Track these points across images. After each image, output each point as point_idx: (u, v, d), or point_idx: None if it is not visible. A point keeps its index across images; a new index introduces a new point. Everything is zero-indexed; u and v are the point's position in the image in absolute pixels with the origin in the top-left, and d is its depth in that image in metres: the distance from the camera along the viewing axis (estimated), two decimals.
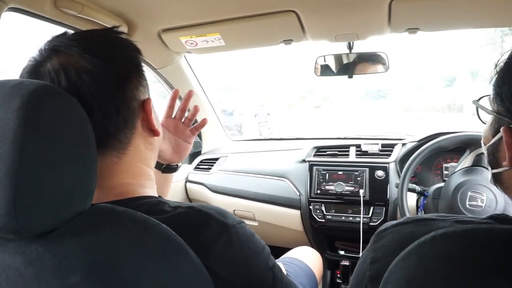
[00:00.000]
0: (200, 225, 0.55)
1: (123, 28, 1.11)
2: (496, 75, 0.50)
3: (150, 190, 0.64)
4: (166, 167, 0.88)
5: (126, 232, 0.49)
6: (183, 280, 0.50)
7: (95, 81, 0.55)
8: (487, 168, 1.12)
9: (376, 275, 0.57)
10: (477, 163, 1.27)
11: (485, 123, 0.58)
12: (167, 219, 0.52)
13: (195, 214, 0.56)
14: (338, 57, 1.38)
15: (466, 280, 0.35)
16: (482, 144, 0.58)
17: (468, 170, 1.26)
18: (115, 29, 0.63)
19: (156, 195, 0.64)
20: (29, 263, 0.44)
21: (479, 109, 0.57)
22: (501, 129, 0.49)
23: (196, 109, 0.91)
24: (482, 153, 1.13)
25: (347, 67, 1.39)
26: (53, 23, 0.94)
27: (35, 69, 0.55)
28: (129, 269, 0.45)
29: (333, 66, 1.41)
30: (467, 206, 1.16)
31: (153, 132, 0.64)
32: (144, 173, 0.64)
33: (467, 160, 1.30)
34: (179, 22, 1.19)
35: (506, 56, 0.49)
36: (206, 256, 0.52)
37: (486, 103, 0.55)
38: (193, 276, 0.51)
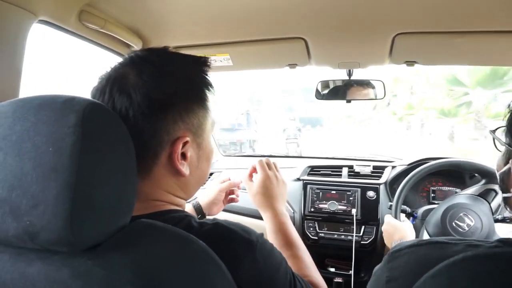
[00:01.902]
0: (227, 243, 0.57)
1: (138, 44, 1.14)
2: (509, 114, 0.57)
3: (175, 206, 0.65)
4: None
5: (169, 247, 0.51)
6: None
7: (146, 100, 0.57)
8: (488, 202, 1.21)
9: None
10: (483, 195, 1.30)
11: (500, 151, 0.65)
12: (195, 235, 0.54)
13: (221, 231, 0.58)
14: (338, 82, 1.46)
15: None
16: (496, 171, 0.65)
17: (470, 197, 1.31)
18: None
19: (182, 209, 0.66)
20: (77, 276, 0.45)
21: (495, 139, 0.64)
22: (510, 160, 0.56)
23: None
24: (493, 189, 1.22)
25: (346, 93, 1.46)
26: (76, 36, 0.96)
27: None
28: (172, 282, 0.48)
29: (333, 90, 1.48)
30: (453, 224, 1.23)
31: (178, 172, 0.61)
32: (168, 200, 0.64)
33: (473, 188, 1.35)
34: (191, 41, 1.23)
35: None
36: (234, 272, 0.54)
37: (501, 134, 0.62)
38: None
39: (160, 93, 0.58)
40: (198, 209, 1.00)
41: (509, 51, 1.07)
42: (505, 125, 0.59)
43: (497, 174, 0.64)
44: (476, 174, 1.58)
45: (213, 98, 0.70)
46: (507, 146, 0.59)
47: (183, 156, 0.62)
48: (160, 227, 0.53)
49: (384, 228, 1.26)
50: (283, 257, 0.66)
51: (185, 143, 0.61)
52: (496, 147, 0.67)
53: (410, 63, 1.21)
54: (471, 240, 0.56)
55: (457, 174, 1.65)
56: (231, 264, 0.55)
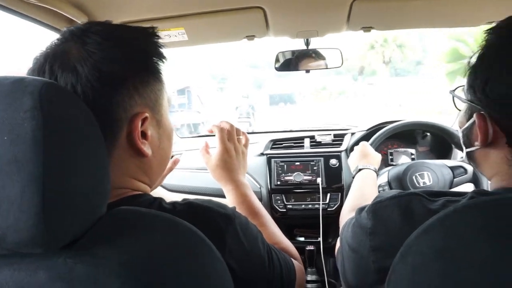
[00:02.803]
0: (205, 220, 0.56)
1: (83, 19, 1.03)
2: (469, 70, 0.60)
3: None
4: None
5: (157, 232, 0.48)
6: (214, 275, 0.51)
7: (95, 72, 0.52)
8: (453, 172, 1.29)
9: (380, 246, 0.63)
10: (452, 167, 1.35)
11: (459, 110, 0.68)
12: None
13: (197, 209, 0.57)
14: (296, 53, 1.45)
15: (499, 242, 0.42)
16: (458, 128, 0.68)
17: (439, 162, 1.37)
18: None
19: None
20: (58, 278, 0.40)
21: (454, 98, 0.67)
22: (474, 115, 0.59)
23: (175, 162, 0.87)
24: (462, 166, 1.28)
25: (304, 63, 1.46)
26: (7, 11, 0.84)
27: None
28: (165, 269, 0.45)
29: (292, 61, 1.47)
30: (413, 178, 1.31)
31: (140, 152, 0.57)
32: (133, 186, 0.59)
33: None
34: (141, 15, 1.14)
35: (477, 54, 0.58)
36: (220, 248, 0.53)
37: (460, 93, 0.65)
38: (221, 270, 0.52)
39: (110, 64, 0.53)
40: None
41: (463, 12, 1.12)
42: (466, 82, 0.62)
43: (460, 131, 0.67)
44: (428, 134, 1.69)
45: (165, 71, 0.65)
46: (468, 102, 0.61)
47: (143, 135, 0.57)
48: (143, 212, 0.49)
49: (356, 149, 1.32)
50: (258, 228, 0.66)
51: (144, 120, 0.56)
52: (456, 106, 0.70)
53: (366, 28, 1.23)
54: (447, 197, 0.58)
55: (409, 135, 1.74)
56: (215, 241, 0.53)
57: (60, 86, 0.45)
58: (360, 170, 1.18)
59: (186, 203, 0.57)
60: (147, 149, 0.58)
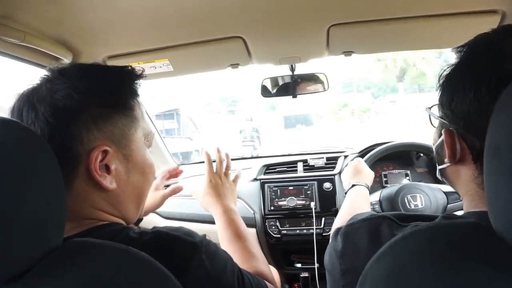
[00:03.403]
0: (171, 249, 0.56)
1: (68, 56, 1.07)
2: (439, 87, 0.60)
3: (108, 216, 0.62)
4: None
5: (109, 264, 0.48)
6: None
7: (50, 109, 0.55)
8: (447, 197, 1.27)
9: (348, 269, 0.62)
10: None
11: (435, 127, 0.68)
12: (135, 246, 0.51)
13: (164, 238, 0.57)
14: (282, 79, 1.47)
15: (440, 269, 0.41)
16: (432, 145, 0.68)
17: (431, 185, 1.35)
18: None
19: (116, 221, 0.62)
20: None
21: (430, 115, 0.67)
22: (442, 131, 0.59)
23: (174, 191, 0.98)
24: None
25: (291, 88, 1.47)
26: None
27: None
28: None
29: (278, 87, 1.49)
30: (404, 199, 1.29)
31: (100, 185, 0.58)
32: (100, 217, 0.60)
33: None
34: (126, 48, 1.18)
35: (445, 73, 0.59)
36: (182, 278, 0.53)
37: (435, 110, 0.65)
38: None
39: (67, 100, 0.55)
40: None
41: (441, 34, 1.13)
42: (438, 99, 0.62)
43: (433, 148, 0.67)
44: (421, 154, 1.67)
45: (142, 109, 0.67)
46: (440, 118, 0.62)
47: (107, 168, 0.59)
48: (96, 244, 0.49)
49: (350, 164, 1.31)
50: (228, 255, 0.66)
51: (105, 154, 0.58)
52: (431, 123, 0.70)
53: (347, 53, 1.24)
54: (417, 222, 0.57)
55: (405, 156, 1.72)
56: (178, 270, 0.53)
57: (15, 122, 0.47)
58: (353, 186, 1.17)
59: (153, 232, 0.57)
60: (108, 182, 0.59)
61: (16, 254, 0.41)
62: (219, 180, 0.95)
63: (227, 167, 1.01)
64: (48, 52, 0.99)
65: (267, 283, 0.75)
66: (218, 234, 0.87)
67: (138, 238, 0.55)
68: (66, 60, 1.08)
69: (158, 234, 0.57)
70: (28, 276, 0.43)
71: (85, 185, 0.57)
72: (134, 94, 0.64)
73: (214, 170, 0.99)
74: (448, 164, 0.60)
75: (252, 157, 2.05)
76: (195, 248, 0.57)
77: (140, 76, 0.65)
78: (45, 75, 0.59)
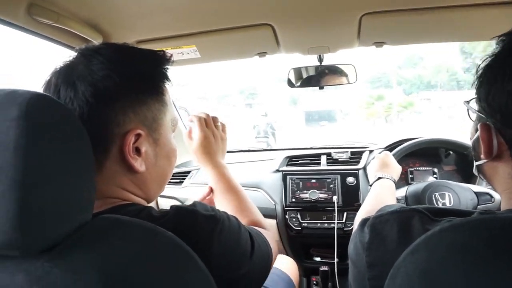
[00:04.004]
0: (194, 225, 0.57)
1: (98, 39, 1.08)
2: (476, 80, 0.57)
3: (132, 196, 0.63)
4: None
5: (136, 241, 0.48)
6: (192, 287, 0.50)
7: (91, 89, 0.55)
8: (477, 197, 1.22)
9: (375, 262, 0.61)
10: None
11: (473, 120, 0.65)
12: (159, 224, 0.52)
13: (185, 214, 0.58)
14: (310, 69, 1.44)
15: (477, 265, 0.39)
16: (470, 140, 0.65)
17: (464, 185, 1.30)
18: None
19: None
20: (36, 281, 0.42)
21: (468, 109, 0.64)
22: (478, 125, 0.56)
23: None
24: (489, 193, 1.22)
25: (318, 79, 1.45)
26: (27, 32, 0.90)
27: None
28: (142, 278, 0.45)
29: (305, 77, 1.47)
30: (432, 196, 1.25)
31: (131, 167, 0.59)
32: (125, 197, 0.61)
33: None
34: (155, 34, 1.19)
35: (484, 64, 0.56)
36: (208, 250, 0.56)
37: (473, 104, 0.62)
38: (201, 282, 0.52)
39: (106, 82, 0.56)
40: None
41: (476, 25, 1.08)
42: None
43: (470, 144, 0.64)
44: (451, 152, 1.61)
45: (172, 94, 0.69)
46: (477, 112, 0.59)
47: (138, 151, 0.60)
48: (125, 221, 0.50)
49: (378, 156, 1.28)
50: (236, 217, 0.69)
51: (138, 137, 0.59)
52: (470, 117, 0.67)
53: (379, 44, 1.21)
54: (451, 216, 0.55)
55: (432, 153, 1.67)
56: (204, 243, 0.56)
57: (50, 98, 0.47)
58: (379, 178, 1.15)
59: (174, 209, 0.59)
60: (139, 165, 0.60)
61: (48, 228, 0.42)
62: (211, 135, 0.95)
63: (215, 120, 1.00)
64: (79, 33, 1.01)
65: (263, 230, 0.79)
66: (212, 185, 0.92)
67: (161, 217, 0.56)
68: (96, 42, 1.09)
69: (178, 211, 0.58)
70: (59, 249, 0.44)
71: (116, 166, 0.59)
72: (165, 78, 0.65)
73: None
74: (485, 160, 0.57)
75: (275, 149, 2.04)
76: (215, 220, 0.60)
77: (169, 60, 0.66)
78: (79, 53, 0.60)
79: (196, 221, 0.58)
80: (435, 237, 0.45)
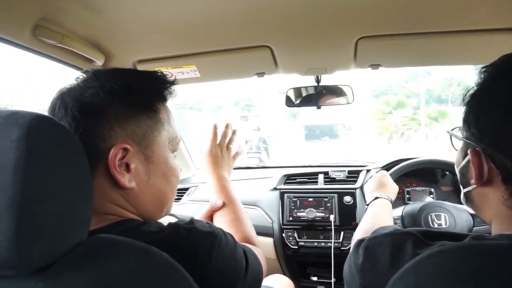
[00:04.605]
0: (193, 241, 0.58)
1: (100, 59, 1.11)
2: (465, 107, 0.59)
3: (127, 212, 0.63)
4: None
5: (129, 261, 0.48)
6: None
7: (77, 104, 0.57)
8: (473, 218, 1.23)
9: (369, 285, 0.61)
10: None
11: (457, 150, 0.66)
12: (155, 241, 0.53)
13: (183, 231, 0.58)
14: (306, 89, 1.47)
15: None
16: (455, 168, 0.66)
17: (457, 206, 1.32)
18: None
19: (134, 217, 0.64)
20: None
21: (452, 138, 0.66)
22: (468, 151, 0.57)
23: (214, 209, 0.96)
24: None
25: (316, 99, 1.47)
26: (31, 52, 0.92)
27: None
28: None
29: (302, 97, 1.49)
30: (428, 217, 1.26)
31: (118, 182, 0.58)
32: (120, 214, 0.61)
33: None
34: (155, 53, 1.21)
35: (471, 92, 0.58)
36: (206, 266, 0.57)
37: (458, 132, 0.64)
38: None
39: (93, 97, 0.58)
40: None
41: (471, 50, 1.11)
42: (461, 120, 0.60)
43: (457, 171, 0.65)
44: (447, 172, 1.62)
45: (169, 114, 0.68)
46: (464, 140, 0.60)
47: (127, 166, 0.60)
48: (120, 241, 0.50)
49: (375, 176, 1.28)
50: (231, 234, 0.69)
51: (126, 152, 0.59)
52: (453, 145, 0.68)
53: (374, 66, 1.23)
54: (444, 241, 0.55)
55: (429, 173, 1.68)
56: (202, 259, 0.57)
57: (50, 119, 0.48)
58: (376, 198, 1.15)
59: (172, 226, 0.59)
60: (126, 180, 0.59)
61: (43, 248, 0.42)
62: (219, 152, 1.00)
63: (230, 141, 1.05)
64: (82, 54, 1.03)
65: (254, 247, 0.80)
66: (213, 196, 0.94)
67: (158, 232, 0.57)
68: (99, 62, 1.12)
69: (177, 227, 0.58)
70: (53, 268, 0.44)
71: (104, 181, 0.59)
72: (160, 97, 0.65)
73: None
74: (474, 186, 0.58)
75: (272, 167, 2.04)
76: (213, 237, 0.60)
77: (172, 82, 0.66)
78: (81, 75, 0.62)
79: (195, 238, 0.58)
80: (423, 262, 0.46)
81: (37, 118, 0.44)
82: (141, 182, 0.62)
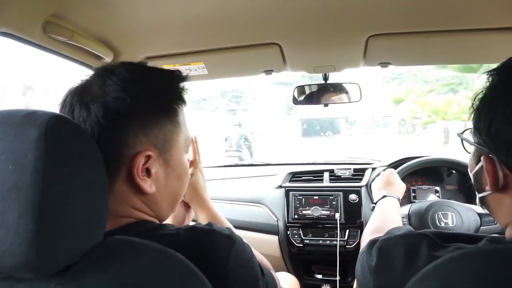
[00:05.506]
0: (211, 243, 0.57)
1: (109, 56, 1.10)
2: (473, 112, 0.58)
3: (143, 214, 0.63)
4: None
5: (146, 262, 0.48)
6: None
7: (102, 110, 0.56)
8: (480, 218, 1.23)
9: (383, 286, 0.61)
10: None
11: (469, 153, 0.65)
12: (172, 243, 0.52)
13: (202, 233, 0.58)
14: (315, 87, 1.46)
15: None
16: (469, 172, 0.65)
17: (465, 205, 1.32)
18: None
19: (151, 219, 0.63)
20: None
21: (463, 141, 0.65)
22: (482, 158, 0.56)
23: None
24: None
25: (323, 97, 1.47)
26: (41, 49, 0.92)
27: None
28: None
29: (310, 95, 1.48)
30: (435, 216, 1.26)
31: (140, 188, 0.58)
32: (137, 216, 0.61)
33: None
34: (164, 50, 1.20)
35: (480, 96, 0.56)
36: (224, 269, 0.56)
37: (468, 135, 0.63)
38: None
39: (119, 104, 0.56)
40: None
41: (480, 49, 1.10)
42: (472, 124, 0.59)
43: (471, 175, 0.64)
44: (453, 171, 1.62)
45: (187, 114, 0.68)
46: (476, 145, 0.59)
47: (148, 171, 0.59)
48: (136, 243, 0.50)
49: (382, 174, 1.28)
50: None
51: (148, 158, 0.58)
52: (465, 149, 0.67)
53: (384, 64, 1.23)
54: (459, 243, 0.55)
55: (435, 172, 1.68)
56: (221, 262, 0.56)
57: (67, 120, 0.48)
58: (384, 196, 1.15)
59: (189, 228, 0.58)
60: (148, 186, 0.59)
61: (62, 249, 0.42)
62: (201, 173, 0.93)
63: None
64: (91, 50, 1.02)
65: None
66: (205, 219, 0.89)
67: (176, 234, 0.56)
68: (107, 59, 1.11)
69: (194, 229, 0.58)
70: (71, 271, 0.44)
71: (125, 187, 0.58)
72: (180, 99, 0.65)
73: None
74: (489, 192, 0.57)
75: (277, 164, 2.04)
76: (232, 241, 0.59)
77: (184, 79, 0.65)
78: (95, 73, 0.61)
79: (215, 240, 0.58)
80: (445, 266, 0.46)
81: (55, 118, 0.44)
82: (160, 186, 0.62)
